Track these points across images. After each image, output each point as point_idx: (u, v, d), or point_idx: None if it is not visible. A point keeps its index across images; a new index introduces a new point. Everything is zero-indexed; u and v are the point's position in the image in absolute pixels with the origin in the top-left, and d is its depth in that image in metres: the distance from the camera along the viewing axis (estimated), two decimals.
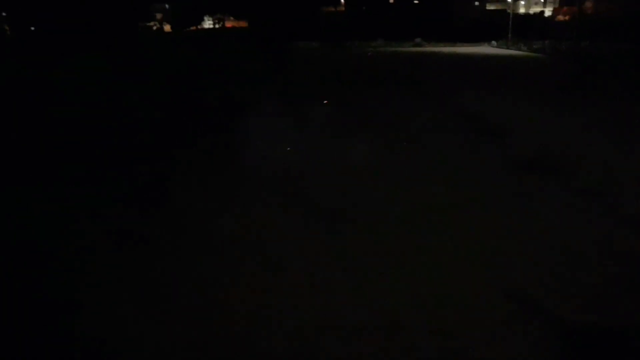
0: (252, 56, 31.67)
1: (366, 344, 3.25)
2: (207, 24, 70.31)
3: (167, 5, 75.01)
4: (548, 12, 54.66)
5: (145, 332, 3.39)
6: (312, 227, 5.14)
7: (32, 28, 61.74)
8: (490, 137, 9.39)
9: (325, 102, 12.89)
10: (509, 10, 45.24)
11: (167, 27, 72.70)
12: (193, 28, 67.08)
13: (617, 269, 4.26)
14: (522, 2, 56.25)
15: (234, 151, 8.60)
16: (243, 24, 56.52)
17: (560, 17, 50.67)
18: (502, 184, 6.53)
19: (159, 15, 74.84)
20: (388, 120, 11.28)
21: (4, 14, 63.80)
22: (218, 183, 6.72)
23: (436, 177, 6.85)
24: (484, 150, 8.40)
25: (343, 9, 50.96)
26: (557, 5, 56.27)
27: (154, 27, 73.18)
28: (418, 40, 42.85)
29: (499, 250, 4.59)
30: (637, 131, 10.21)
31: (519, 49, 37.37)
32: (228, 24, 66.09)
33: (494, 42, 42.24)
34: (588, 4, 45.19)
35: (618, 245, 4.72)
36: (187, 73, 22.82)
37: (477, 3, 53.04)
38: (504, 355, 3.15)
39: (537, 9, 57.75)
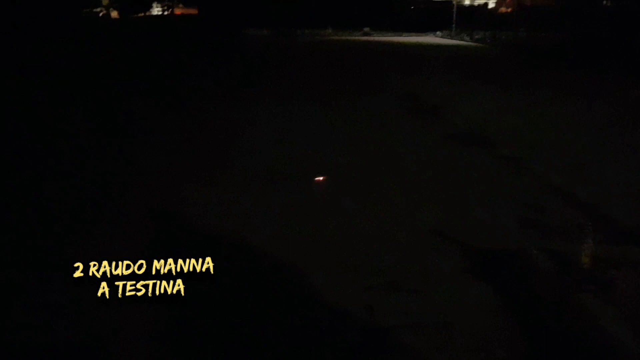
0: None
1: None
2: (156, 10, 68.56)
3: None
4: (492, 4, 56.54)
5: None
6: None
7: None
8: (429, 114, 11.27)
9: None
10: (454, 2, 46.63)
11: (114, 14, 70.35)
12: (141, 14, 65.32)
13: (522, 213, 5.49)
14: None
15: None
16: (193, 11, 55.65)
17: (503, 9, 52.57)
18: (438, 150, 8.21)
19: (105, 1, 72.29)
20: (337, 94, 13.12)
21: None
22: None
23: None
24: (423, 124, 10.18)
25: None
26: None
27: (100, 14, 70.69)
28: (366, 29, 43.63)
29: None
30: (549, 108, 11.39)
31: (462, 39, 38.75)
32: (177, 11, 64.75)
33: (438, 33, 43.52)
34: None
35: (526, 197, 6.00)
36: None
37: None
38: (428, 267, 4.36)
39: (482, 1, 59.57)
